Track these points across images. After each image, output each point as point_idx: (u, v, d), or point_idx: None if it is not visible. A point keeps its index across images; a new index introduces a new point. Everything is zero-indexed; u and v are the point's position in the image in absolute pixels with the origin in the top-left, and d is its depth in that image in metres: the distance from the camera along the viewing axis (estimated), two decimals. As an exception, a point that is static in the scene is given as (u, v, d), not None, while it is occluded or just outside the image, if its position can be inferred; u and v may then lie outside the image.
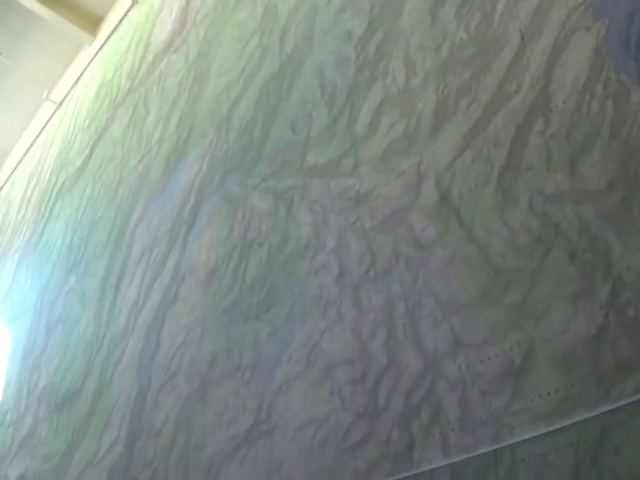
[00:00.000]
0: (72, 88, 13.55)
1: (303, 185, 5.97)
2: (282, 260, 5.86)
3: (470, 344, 4.20)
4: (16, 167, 15.58)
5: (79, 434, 8.52)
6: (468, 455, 4.03)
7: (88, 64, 13.11)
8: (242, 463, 5.64)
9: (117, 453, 7.52)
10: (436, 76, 5.07)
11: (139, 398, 7.32)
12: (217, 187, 7.24)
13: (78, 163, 11.63)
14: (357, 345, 4.91)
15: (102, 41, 12.83)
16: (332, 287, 5.26)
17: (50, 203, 12.38)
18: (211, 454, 5.99)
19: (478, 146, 4.56)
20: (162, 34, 10.32)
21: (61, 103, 13.95)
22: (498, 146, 4.43)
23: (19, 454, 10.39)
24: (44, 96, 14.29)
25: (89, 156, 11.28)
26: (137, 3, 11.99)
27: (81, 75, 13.31)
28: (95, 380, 8.46)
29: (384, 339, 4.75)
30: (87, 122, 11.94)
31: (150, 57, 10.37)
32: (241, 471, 5.64)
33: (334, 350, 5.09)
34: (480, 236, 4.35)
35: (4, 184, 16.20)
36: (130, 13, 12.10)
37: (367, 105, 5.60)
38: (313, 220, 5.69)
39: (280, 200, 6.18)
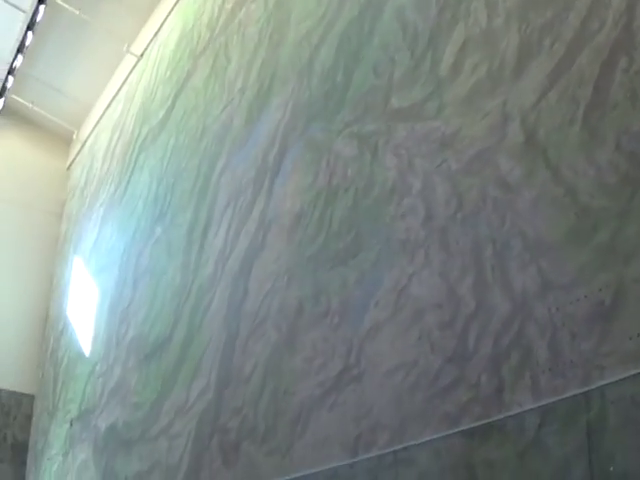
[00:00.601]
0: (152, 40, 13.76)
1: (387, 129, 6.03)
2: (368, 205, 5.95)
3: (559, 285, 4.24)
4: (99, 121, 15.96)
5: (168, 383, 8.84)
6: (558, 397, 4.08)
7: (167, 15, 13.28)
8: (331, 409, 5.80)
9: (206, 401, 7.80)
10: (518, 16, 5.06)
11: (228, 346, 7.56)
12: (301, 134, 7.35)
13: (161, 114, 11.87)
14: (445, 289, 4.98)
15: (181, -9, 12.96)
16: (419, 231, 5.33)
17: (134, 155, 12.70)
18: (300, 400, 6.17)
19: (563, 85, 4.55)
20: (240, -19, 10.39)
21: (142, 56, 14.19)
22: (583, 85, 4.41)
23: (109, 404, 10.83)
24: (124, 49, 14.56)
25: (171, 107, 11.50)
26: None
27: (160, 27, 13.50)
28: (184, 329, 8.75)
29: (472, 282, 4.82)
30: (168, 73, 12.16)
31: (229, 6, 10.47)
32: (330, 417, 5.81)
33: (422, 294, 5.18)
34: (567, 176, 4.36)
35: (87, 138, 16.63)
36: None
37: (450, 47, 5.61)
38: (398, 164, 5.75)
39: (365, 145, 6.26)
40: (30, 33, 14.51)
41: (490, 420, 4.45)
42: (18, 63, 15.24)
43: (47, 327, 16.07)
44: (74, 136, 17.47)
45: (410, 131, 5.75)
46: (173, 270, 9.53)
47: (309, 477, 5.83)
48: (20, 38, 14.72)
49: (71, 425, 12.56)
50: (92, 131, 16.35)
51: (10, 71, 15.55)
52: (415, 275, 5.26)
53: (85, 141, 16.73)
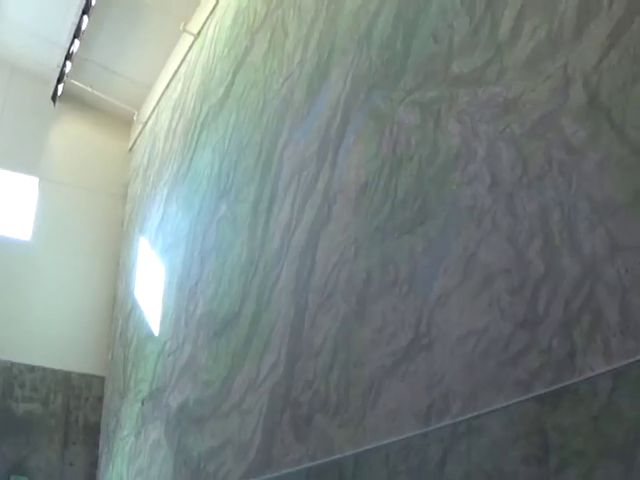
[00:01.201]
0: (208, 18, 13.91)
1: (449, 96, 6.09)
2: (433, 172, 6.02)
3: (628, 247, 4.28)
4: (159, 101, 16.20)
5: (239, 359, 9.03)
6: (631, 360, 4.11)
7: (223, -9, 13.39)
8: (403, 378, 5.90)
9: (277, 375, 7.96)
10: (575, -24, 5.07)
11: (297, 319, 7.70)
12: (362, 104, 7.43)
13: (221, 91, 12.03)
14: (513, 254, 5.05)
15: (235, -33, 13.04)
16: (485, 196, 5.40)
17: (196, 133, 12.89)
18: (371, 371, 6.27)
19: (624, 45, 4.57)
20: (295, -47, 10.44)
21: (198, 34, 14.35)
22: (644, 43, 4.43)
23: (180, 382, 11.08)
24: (181, 28, 14.72)
25: (231, 84, 11.65)
26: None
27: (216, 4, 13.63)
28: (252, 304, 8.92)
29: (540, 246, 4.87)
30: (226, 50, 12.29)
31: (285, -21, 10.55)
32: (402, 386, 5.90)
33: (490, 260, 5.24)
34: (633, 136, 4.39)
35: (148, 119, 16.90)
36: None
37: (508, 10, 5.65)
38: (462, 130, 5.81)
39: (427, 112, 6.32)
40: (85, 17, 14.77)
41: (562, 385, 4.49)
42: (75, 48, 15.52)
43: (115, 309, 16.44)
44: (134, 117, 17.76)
45: (472, 97, 5.80)
46: (239, 246, 9.71)
47: (382, 448, 5.92)
48: (76, 22, 14.98)
49: (142, 405, 12.86)
50: (152, 111, 16.60)
51: (67, 56, 15.85)
52: (483, 241, 5.32)
53: (146, 122, 17.00)
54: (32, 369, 16.04)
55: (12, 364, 15.91)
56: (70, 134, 17.91)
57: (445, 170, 5.88)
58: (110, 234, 17.30)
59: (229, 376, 9.25)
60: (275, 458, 7.73)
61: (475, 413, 5.06)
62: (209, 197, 11.43)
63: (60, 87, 16.68)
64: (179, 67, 15.08)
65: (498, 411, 4.87)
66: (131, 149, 17.98)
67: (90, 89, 16.98)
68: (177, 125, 14.33)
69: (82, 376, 16.29)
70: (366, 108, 7.32)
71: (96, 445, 15.97)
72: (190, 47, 14.56)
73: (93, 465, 15.90)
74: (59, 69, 16.24)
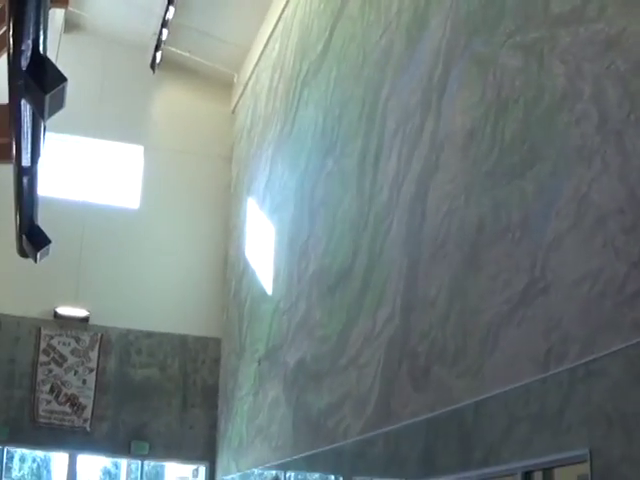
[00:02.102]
0: (302, -26, 13.96)
1: (551, 36, 6.06)
2: (539, 114, 6.03)
3: None
4: (258, 61, 16.41)
5: (354, 313, 9.24)
6: None
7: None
8: (520, 324, 5.98)
9: (393, 327, 8.13)
10: None
11: (410, 270, 7.85)
12: (463, 50, 7.44)
13: (319, 47, 12.14)
14: (626, 193, 5.02)
15: None
16: (594, 136, 5.38)
17: (297, 91, 13.07)
18: (488, 318, 6.37)
19: None
20: None
21: (293, -9, 14.43)
22: None
23: (296, 340, 11.38)
24: (276, -15, 14.85)
25: (329, 39, 11.75)
26: None
27: (310, -41, 13.66)
28: (364, 258, 9.09)
29: (653, 183, 4.86)
30: (322, 5, 12.37)
31: None
32: (519, 332, 5.98)
33: (603, 200, 5.24)
34: None
35: (248, 80, 17.15)
36: None
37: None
38: (566, 70, 5.79)
39: (529, 54, 6.31)
40: (178, -17, 15.04)
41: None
42: (170, 15, 15.84)
43: (227, 270, 16.88)
44: (235, 79, 18.05)
45: (574, 36, 5.77)
46: (348, 200, 9.88)
47: (501, 396, 6.03)
48: (169, -11, 15.30)
49: (259, 364, 13.25)
50: (252, 72, 16.84)
51: (163, 23, 16.19)
52: (594, 181, 5.32)
53: (246, 83, 17.25)
54: (148, 335, 16.65)
55: (128, 331, 16.56)
56: (171, 100, 18.33)
57: (552, 111, 5.88)
58: (218, 197, 17.71)
59: (345, 330, 9.47)
60: (394, 411, 7.92)
61: (593, 356, 5.09)
62: (315, 154, 11.61)
63: (158, 55, 17.04)
64: (276, 26, 15.22)
65: (617, 353, 4.88)
66: (233, 111, 18.29)
67: (188, 54, 17.32)
68: (278, 84, 14.52)
69: (198, 339, 16.80)
70: (467, 54, 7.34)
71: (214, 407, 16.48)
72: (286, 5, 14.66)
73: (212, 427, 16.45)
74: (156, 37, 16.59)
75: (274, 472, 11.87)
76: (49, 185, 16.34)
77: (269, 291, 13.23)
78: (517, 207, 6.15)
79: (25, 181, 10.62)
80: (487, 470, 6.14)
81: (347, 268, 9.63)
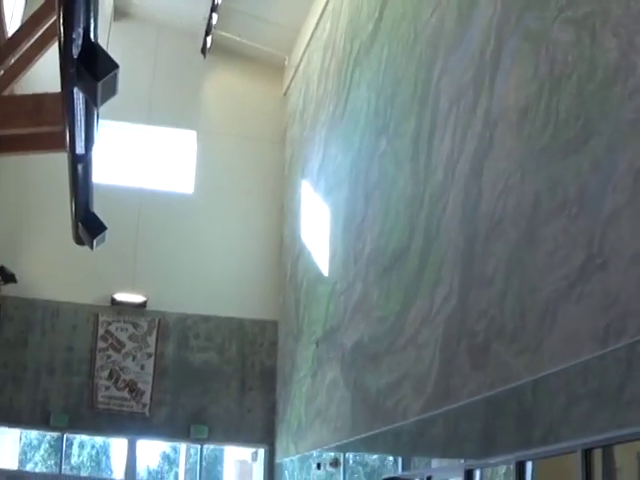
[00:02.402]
0: (350, -47, 13.96)
1: (602, 10, 6.04)
2: (593, 89, 6.02)
3: None
4: (308, 43, 16.47)
5: (411, 293, 9.31)
6: None
7: None
8: (578, 301, 5.99)
9: (451, 306, 8.18)
10: None
11: (467, 249, 7.89)
12: (515, 26, 7.44)
13: (370, 27, 12.17)
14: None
15: None
16: (648, 108, 5.38)
17: (349, 72, 13.12)
18: (546, 295, 6.39)
19: None
20: None
21: (342, -29, 14.44)
22: None
23: (353, 321, 11.48)
24: (325, -34, 14.86)
25: (379, 18, 11.77)
26: None
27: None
28: (420, 238, 9.15)
29: None
30: (372, -16, 12.38)
31: None
32: (577, 309, 5.99)
33: (659, 173, 5.24)
34: None
35: (299, 62, 17.23)
36: None
37: None
38: (618, 44, 5.77)
39: (581, 29, 6.29)
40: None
41: None
42: (219, -1, 15.99)
43: (283, 253, 17.03)
44: (286, 62, 18.15)
45: (625, 9, 5.74)
46: (403, 180, 9.93)
47: (560, 373, 6.06)
48: (217, -26, 15.42)
49: (317, 346, 13.38)
50: (303, 54, 16.91)
51: (213, 8, 16.33)
52: (651, 155, 5.32)
53: (298, 65, 17.34)
54: (205, 319, 16.87)
55: (186, 316, 16.80)
56: (223, 85, 18.48)
57: (605, 85, 5.87)
58: (272, 180, 17.85)
59: (402, 311, 9.54)
60: (453, 389, 7.98)
61: (653, 331, 5.06)
62: (368, 134, 11.67)
63: (209, 39, 17.21)
64: (325, 7, 15.26)
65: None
66: (285, 94, 18.39)
67: (238, 38, 17.45)
68: (329, 65, 14.57)
69: (255, 322, 16.98)
70: (519, 30, 7.34)
71: (273, 389, 16.66)
72: (335, -15, 14.70)
73: (271, 410, 16.62)
74: (206, 21, 16.75)
75: (332, 454, 12.01)
76: (104, 172, 16.60)
77: (325, 273, 13.33)
78: (573, 183, 6.16)
79: (80, 169, 10.82)
80: (546, 448, 6.19)
81: (403, 248, 9.69)
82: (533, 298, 6.60)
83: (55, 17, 9.03)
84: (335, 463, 11.83)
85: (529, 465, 6.59)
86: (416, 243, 9.30)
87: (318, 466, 12.58)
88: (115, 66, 7.86)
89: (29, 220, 16.72)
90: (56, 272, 16.59)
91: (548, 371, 6.24)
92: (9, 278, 15.37)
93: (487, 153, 7.65)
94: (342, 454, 11.63)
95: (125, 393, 16.22)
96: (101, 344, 16.37)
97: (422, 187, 9.28)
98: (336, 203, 13.08)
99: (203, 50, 17.64)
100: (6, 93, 11.59)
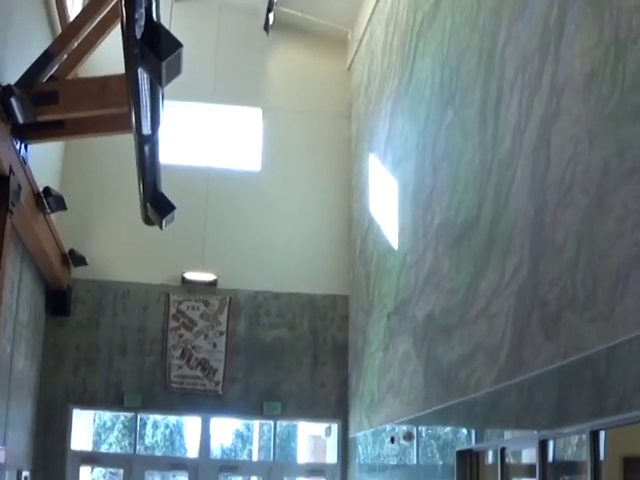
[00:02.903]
0: None
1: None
2: (659, 52, 6.01)
3: None
4: (371, 16, 16.50)
5: (481, 263, 9.37)
6: None
7: None
8: (651, 266, 5.99)
9: (522, 277, 8.22)
10: None
11: (537, 218, 7.92)
12: (579, -9, 7.40)
13: (432, -2, 12.19)
14: None
15: None
16: None
17: (412, 44, 13.14)
18: (617, 262, 6.39)
19: None
20: None
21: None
22: None
23: (424, 293, 11.57)
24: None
25: (441, -12, 11.76)
26: None
27: None
28: (490, 208, 9.19)
29: None
30: (431, -45, 12.36)
31: None
32: (651, 275, 6.00)
33: None
34: None
35: (363, 36, 17.27)
36: None
37: None
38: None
39: (646, -8, 6.27)
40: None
41: None
42: (280, -25, 16.09)
43: (352, 228, 17.15)
44: (349, 36, 18.21)
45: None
46: (471, 151, 9.96)
47: (634, 340, 6.05)
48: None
49: (388, 319, 13.50)
50: (366, 28, 16.95)
51: (274, -16, 16.45)
52: None
53: (361, 39, 17.38)
54: (276, 296, 17.10)
55: (256, 293, 17.05)
56: (286, 61, 18.60)
57: (672, 49, 5.86)
58: (338, 155, 17.96)
59: (473, 282, 9.60)
60: (526, 360, 8.02)
61: None
62: (434, 106, 11.71)
63: (271, 16, 17.33)
64: (387, -21, 15.27)
65: None
66: (349, 68, 18.45)
67: (301, 14, 17.55)
68: (393, 38, 14.60)
69: (326, 297, 17.16)
70: (583, -5, 7.31)
71: (345, 364, 16.85)
72: (394, -42, 14.68)
73: (343, 384, 16.82)
74: (268, -1, 16.87)
75: (405, 427, 12.14)
76: (171, 152, 16.92)
77: (395, 246, 13.43)
78: (642, 147, 6.15)
79: (147, 149, 11.08)
80: (620, 417, 6.21)
81: (473, 219, 9.74)
82: (604, 265, 6.60)
83: (116, -1, 9.25)
84: (408, 436, 11.96)
85: (602, 434, 6.63)
86: (485, 213, 9.34)
87: (392, 440, 12.72)
88: (179, 45, 8.03)
89: (97, 203, 17.09)
90: (126, 253, 16.98)
91: (621, 339, 6.23)
92: (79, 261, 15.78)
93: (554, 120, 7.65)
94: (415, 427, 11.76)
95: (198, 372, 16.53)
96: (173, 323, 16.69)
97: (490, 157, 9.30)
98: (404, 176, 13.15)
99: (266, 27, 17.78)
100: (70, 77, 11.90)
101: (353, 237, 17.02)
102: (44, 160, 14.21)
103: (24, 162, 11.15)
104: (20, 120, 9.91)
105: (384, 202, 14.44)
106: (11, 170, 10.35)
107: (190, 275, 16.93)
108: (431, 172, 11.56)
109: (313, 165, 17.90)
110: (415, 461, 11.72)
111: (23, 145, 11.06)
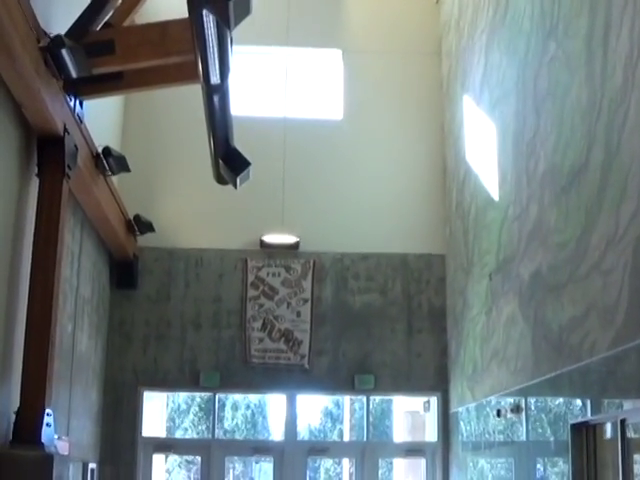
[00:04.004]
0: None
1: None
2: None
3: None
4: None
5: (593, 213, 9.33)
6: None
7: None
8: None
9: (639, 225, 8.16)
10: None
11: (653, 159, 7.85)
12: None
13: None
14: None
15: None
16: None
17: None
18: None
19: None
20: None
21: None
22: None
23: (529, 249, 11.58)
24: None
25: None
26: None
27: None
28: (600, 151, 9.13)
29: None
30: None
31: None
32: None
33: None
34: None
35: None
36: None
37: None
38: None
39: None
40: None
41: None
42: None
43: (447, 179, 17.16)
44: (435, -36, 18.09)
45: None
46: (577, 87, 9.88)
47: None
48: None
49: (490, 279, 13.53)
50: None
51: None
52: None
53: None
54: (365, 257, 17.20)
55: (343, 255, 17.16)
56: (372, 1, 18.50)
57: None
58: (429, 98, 17.92)
59: (584, 234, 9.56)
60: (646, 319, 8.01)
61: None
62: (534, 38, 11.61)
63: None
64: None
65: None
66: (437, 1, 18.34)
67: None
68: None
69: (420, 257, 17.20)
70: None
71: (443, 330, 16.93)
72: None
73: (442, 353, 16.91)
74: None
75: (512, 399, 12.18)
76: (242, 103, 17.06)
77: (495, 197, 13.40)
78: None
79: (216, 100, 11.18)
80: None
81: (582, 164, 9.68)
82: None
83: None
84: (516, 409, 12.01)
85: None
86: (595, 157, 9.27)
87: (498, 413, 12.78)
88: (247, -19, 8.05)
89: (163, 162, 17.37)
90: (197, 217, 17.26)
91: None
92: (146, 227, 15.96)
93: (670, 47, 7.59)
94: (523, 399, 11.80)
95: (281, 344, 16.76)
96: (252, 292, 16.91)
97: (599, 94, 9.22)
98: (503, 118, 13.09)
99: (344, -42, 17.80)
100: (127, 24, 12.04)
101: (448, 189, 17.02)
102: (102, 118, 14.46)
103: (80, 120, 11.34)
104: (73, 74, 9.96)
105: (482, 148, 14.40)
106: (66, 130, 10.55)
107: (269, 238, 17.08)
108: (533, 113, 11.49)
109: (401, 111, 17.87)
110: (524, 437, 11.79)
111: (78, 102, 11.23)
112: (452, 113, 16.90)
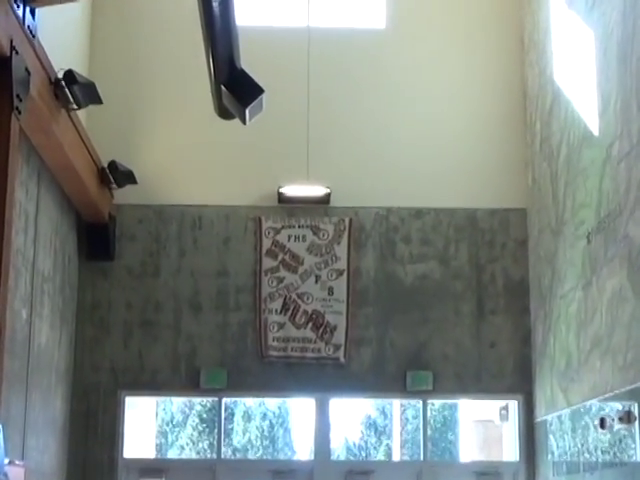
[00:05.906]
0: None
1: None
2: None
3: None
4: None
5: None
6: None
7: None
8: None
9: None
10: None
11: None
12: None
13: None
14: None
15: None
16: None
17: None
18: None
19: None
20: None
21: None
22: None
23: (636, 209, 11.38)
24: None
25: None
26: None
27: None
28: None
29: None
30: None
31: None
32: None
33: None
34: None
35: None
36: None
37: None
38: None
39: None
40: None
41: None
42: None
43: (527, 107, 17.01)
44: None
45: None
46: None
47: None
48: None
49: (588, 241, 13.34)
50: None
51: None
52: None
53: None
54: (418, 214, 17.05)
55: (388, 211, 16.95)
56: None
57: None
58: (503, 0, 17.67)
59: None
60: None
61: None
62: None
63: None
64: None
65: None
66: None
67: None
68: None
69: (492, 213, 17.02)
70: None
71: (525, 312, 16.82)
72: None
73: (524, 342, 16.80)
74: None
75: (621, 405, 12.01)
76: (251, 10, 16.88)
77: (595, 131, 13.21)
78: None
79: (215, 6, 11.02)
80: None
81: None
82: None
83: None
84: (627, 418, 11.84)
85: None
86: None
87: (602, 423, 12.62)
88: None
89: (148, 92, 17.23)
90: (192, 164, 17.13)
91: None
92: (125, 178, 15.62)
93: None
94: (637, 403, 11.64)
95: (308, 331, 16.64)
96: (268, 262, 16.77)
97: None
98: (605, 24, 12.86)
99: None
100: None
101: (530, 121, 16.84)
102: (62, 33, 14.29)
103: (32, 35, 11.03)
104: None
105: (576, 65, 14.21)
106: (13, 48, 10.11)
107: (290, 190, 16.82)
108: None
109: (465, 17, 17.65)
110: (637, 455, 11.62)
111: (28, 10, 10.93)
112: (534, 19, 16.70)
